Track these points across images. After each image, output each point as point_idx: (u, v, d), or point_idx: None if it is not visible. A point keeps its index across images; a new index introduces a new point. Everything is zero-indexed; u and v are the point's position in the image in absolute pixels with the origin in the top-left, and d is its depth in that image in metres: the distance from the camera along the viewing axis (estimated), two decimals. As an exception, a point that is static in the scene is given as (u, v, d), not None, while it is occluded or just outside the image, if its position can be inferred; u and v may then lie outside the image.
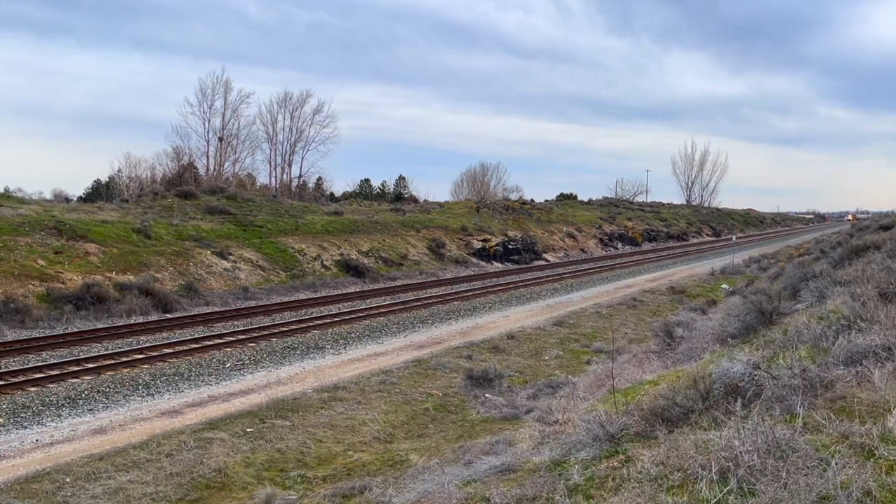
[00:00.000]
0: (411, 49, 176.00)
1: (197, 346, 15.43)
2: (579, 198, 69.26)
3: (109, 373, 13.11)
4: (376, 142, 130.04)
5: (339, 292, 25.10)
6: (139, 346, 15.19)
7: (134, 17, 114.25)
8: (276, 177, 53.03)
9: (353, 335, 17.38)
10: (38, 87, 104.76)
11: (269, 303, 22.03)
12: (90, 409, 11.10)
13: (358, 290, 25.95)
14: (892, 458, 3.83)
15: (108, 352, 14.65)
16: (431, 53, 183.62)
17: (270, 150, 52.53)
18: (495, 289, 26.57)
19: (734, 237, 59.85)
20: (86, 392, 11.86)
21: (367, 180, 75.88)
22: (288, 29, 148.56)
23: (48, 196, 57.60)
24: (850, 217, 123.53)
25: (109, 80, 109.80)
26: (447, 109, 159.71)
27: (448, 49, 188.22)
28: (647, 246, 55.87)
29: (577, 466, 5.11)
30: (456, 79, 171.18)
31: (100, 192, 55.78)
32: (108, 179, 60.04)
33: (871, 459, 3.85)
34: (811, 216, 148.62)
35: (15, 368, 12.98)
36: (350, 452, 9.44)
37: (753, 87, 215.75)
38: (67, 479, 8.15)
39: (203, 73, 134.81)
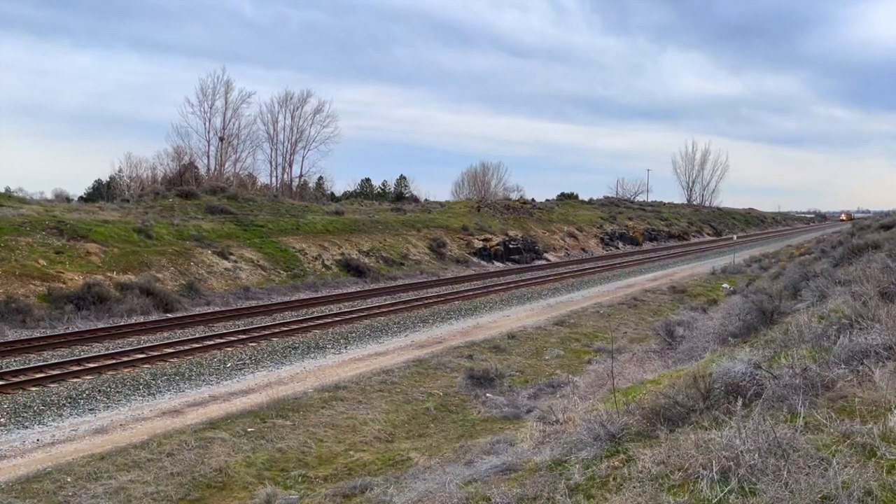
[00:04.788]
0: (408, 49, 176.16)
1: (198, 345, 15.44)
2: (580, 197, 69.21)
3: (110, 372, 13.12)
4: (377, 142, 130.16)
5: (340, 292, 25.10)
6: (140, 346, 15.20)
7: (129, 17, 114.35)
8: (276, 176, 53.10)
9: (353, 335, 17.38)
10: (36, 88, 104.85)
11: (269, 302, 22.03)
12: (91, 409, 11.10)
13: (359, 289, 25.95)
14: (893, 457, 3.82)
15: (109, 351, 14.66)
16: (428, 53, 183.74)
17: (271, 149, 52.59)
18: (496, 288, 26.56)
19: (735, 237, 59.90)
20: (87, 392, 11.86)
21: (367, 180, 75.96)
22: (283, 29, 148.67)
23: (49, 196, 57.50)
24: (843, 216, 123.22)
25: (107, 80, 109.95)
26: (445, 109, 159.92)
27: (445, 49, 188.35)
28: (647, 245, 55.85)
29: (577, 466, 5.10)
30: (453, 79, 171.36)
31: (101, 192, 55.76)
32: (108, 179, 60.06)
33: (873, 459, 3.85)
34: (812, 215, 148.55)
35: (16, 368, 12.99)
36: (351, 452, 9.45)
37: (751, 86, 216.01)
38: (68, 479, 8.15)
39: (200, 73, 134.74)
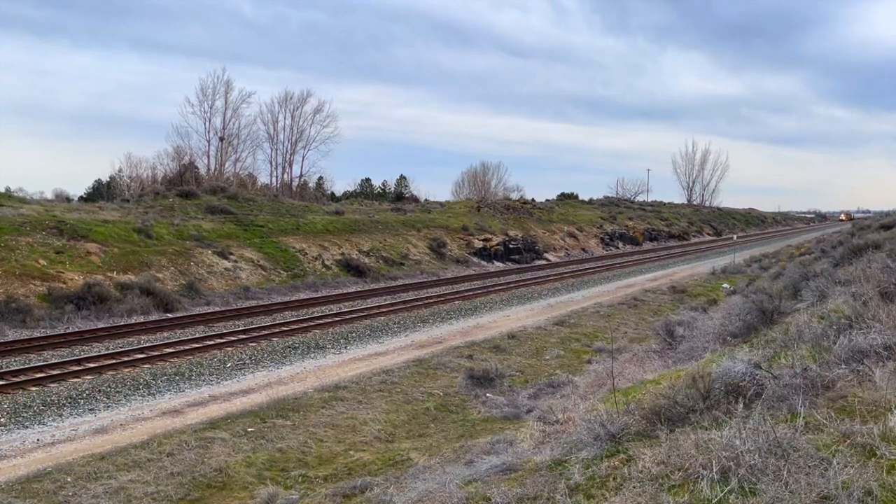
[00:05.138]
0: (407, 49, 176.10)
1: (198, 345, 15.44)
2: (580, 197, 69.22)
3: (110, 372, 13.12)
4: (377, 142, 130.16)
5: (340, 292, 25.10)
6: (140, 346, 15.20)
7: (129, 17, 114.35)
8: (276, 176, 53.11)
9: (354, 335, 17.39)
10: (36, 88, 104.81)
11: (269, 302, 22.03)
12: (91, 409, 11.11)
13: (359, 289, 25.95)
14: (893, 457, 3.82)
15: (110, 351, 14.66)
16: (428, 53, 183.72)
17: (271, 149, 52.61)
18: (496, 288, 26.56)
19: (735, 236, 59.93)
20: (87, 392, 11.86)
21: (367, 180, 75.96)
22: (283, 29, 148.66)
23: (49, 196, 57.45)
24: (842, 216, 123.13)
25: (107, 80, 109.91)
26: (445, 109, 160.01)
27: (445, 49, 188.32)
28: (648, 245, 55.84)
29: (578, 466, 5.10)
30: (453, 79, 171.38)
31: (101, 192, 55.74)
32: (108, 179, 60.06)
33: (873, 459, 3.85)
34: (812, 215, 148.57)
35: (16, 368, 12.99)
36: (351, 452, 9.45)
37: (751, 86, 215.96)
38: (69, 479, 8.15)
39: (200, 73, 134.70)
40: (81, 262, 21.12)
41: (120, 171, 58.13)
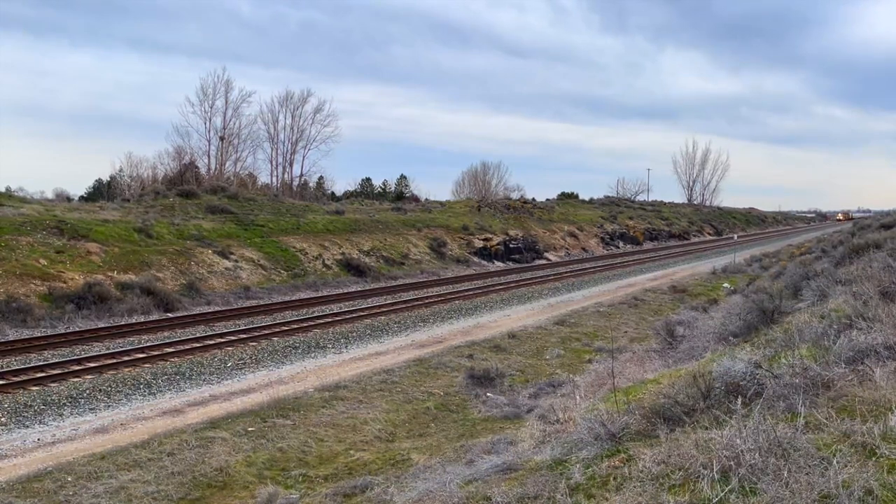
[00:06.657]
0: (407, 49, 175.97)
1: (198, 345, 15.44)
2: (580, 197, 69.25)
3: (111, 372, 13.12)
4: (377, 142, 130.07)
5: (341, 291, 25.11)
6: (141, 346, 15.20)
7: (128, 17, 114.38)
8: (277, 176, 53.09)
9: (354, 334, 17.39)
10: (35, 87, 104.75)
11: (270, 302, 22.03)
12: (92, 409, 11.11)
13: (359, 289, 25.95)
14: (893, 456, 3.82)
15: (110, 351, 14.67)
16: (427, 53, 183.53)
17: (272, 149, 52.57)
18: (497, 288, 26.56)
19: (736, 236, 59.93)
20: (87, 391, 11.87)
21: (368, 179, 75.95)
22: (282, 28, 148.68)
23: (50, 196, 57.32)
24: (840, 216, 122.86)
25: (106, 80, 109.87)
26: (445, 109, 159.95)
27: (444, 48, 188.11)
28: (648, 245, 55.84)
29: (578, 465, 5.10)
30: (453, 79, 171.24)
31: (101, 192, 55.71)
32: (109, 179, 60.01)
33: (873, 458, 3.85)
34: (813, 215, 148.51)
35: (17, 368, 13.00)
36: (351, 451, 9.45)
37: (751, 86, 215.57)
38: (69, 478, 8.16)
39: (200, 72, 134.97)
40: (82, 261, 21.12)
41: (120, 170, 58.15)
